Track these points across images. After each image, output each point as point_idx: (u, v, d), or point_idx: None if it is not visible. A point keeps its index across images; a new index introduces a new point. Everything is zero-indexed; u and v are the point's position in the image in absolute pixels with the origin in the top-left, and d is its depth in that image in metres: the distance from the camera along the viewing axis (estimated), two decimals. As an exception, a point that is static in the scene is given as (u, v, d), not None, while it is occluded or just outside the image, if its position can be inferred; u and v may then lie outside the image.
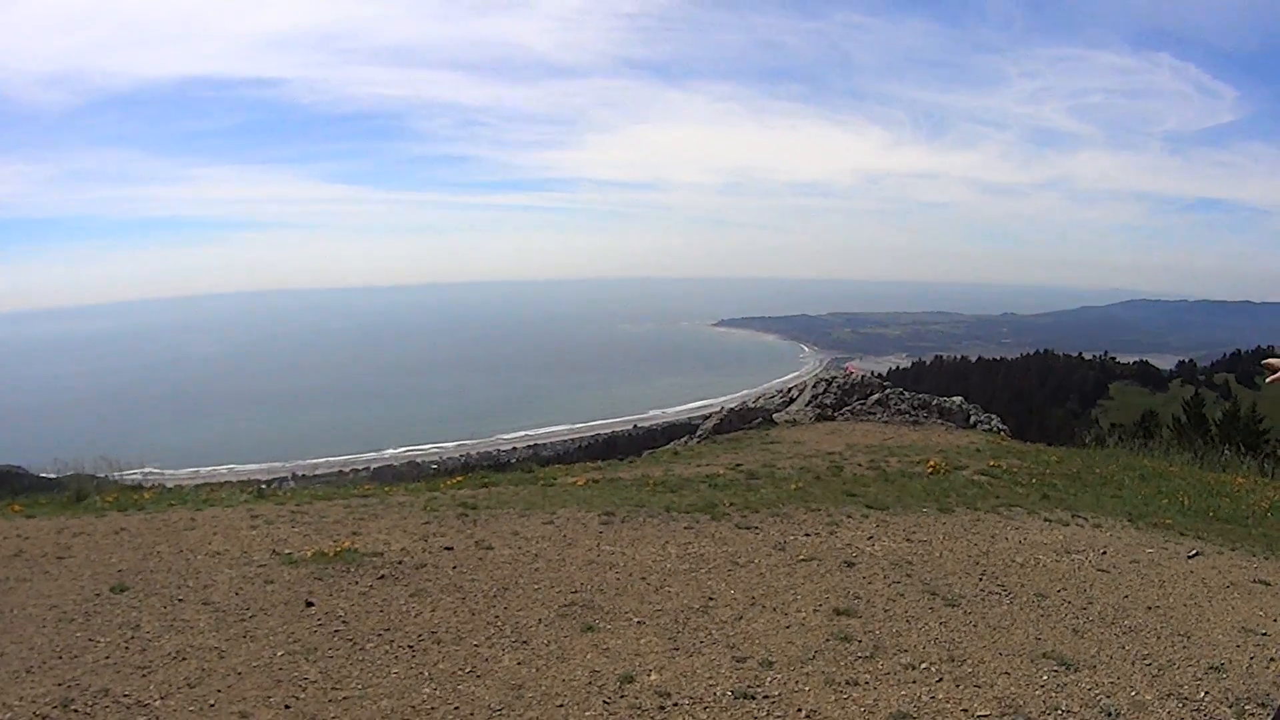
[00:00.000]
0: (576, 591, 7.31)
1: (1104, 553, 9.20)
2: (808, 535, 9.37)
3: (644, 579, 7.67)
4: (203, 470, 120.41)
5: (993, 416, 22.61)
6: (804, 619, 6.67)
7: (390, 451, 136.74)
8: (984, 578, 8.03)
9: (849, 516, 10.29)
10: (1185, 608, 7.50)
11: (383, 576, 7.60)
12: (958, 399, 22.70)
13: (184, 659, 5.71)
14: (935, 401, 21.90)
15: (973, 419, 21.83)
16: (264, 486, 13.53)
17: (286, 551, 8.30)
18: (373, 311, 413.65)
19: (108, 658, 5.72)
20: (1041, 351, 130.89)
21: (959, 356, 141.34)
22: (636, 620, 6.61)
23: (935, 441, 17.74)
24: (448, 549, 8.56)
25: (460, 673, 5.65)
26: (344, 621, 6.51)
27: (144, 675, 5.46)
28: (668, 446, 20.57)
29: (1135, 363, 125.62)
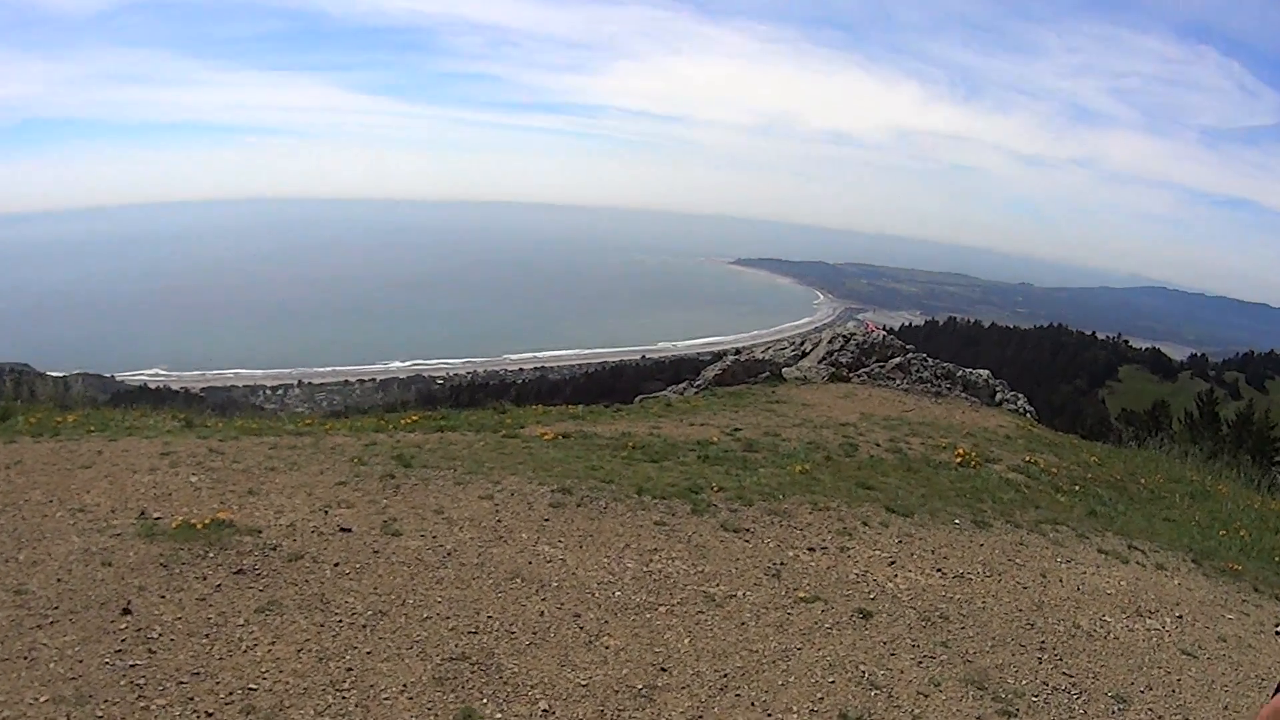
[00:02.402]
0: (477, 631, 5.22)
1: (1180, 617, 7.07)
2: (811, 551, 7.24)
3: (577, 617, 5.57)
4: (209, 374, 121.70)
5: (1019, 395, 20.64)
6: (796, 728, 4.60)
7: (397, 364, 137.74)
8: (1044, 656, 5.92)
9: (865, 524, 8.12)
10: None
11: (240, 571, 5.70)
12: (984, 372, 20.66)
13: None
14: (960, 373, 19.83)
15: (998, 396, 19.83)
16: (196, 416, 11.66)
17: (155, 516, 6.50)
18: (392, 226, 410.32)
19: None
20: (1055, 325, 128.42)
21: (972, 320, 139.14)
22: (543, 707, 4.51)
23: (960, 420, 15.68)
24: (345, 530, 6.57)
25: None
26: (151, 650, 4.66)
27: None
28: (661, 395, 18.51)
29: (1147, 349, 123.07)
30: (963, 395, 18.87)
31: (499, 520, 7.14)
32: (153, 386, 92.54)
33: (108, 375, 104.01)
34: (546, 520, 7.26)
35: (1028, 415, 19.18)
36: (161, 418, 11.06)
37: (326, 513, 6.96)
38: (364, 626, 5.17)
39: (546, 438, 10.72)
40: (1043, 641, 6.07)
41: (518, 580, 6.00)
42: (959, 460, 11.73)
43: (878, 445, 12.09)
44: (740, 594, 6.20)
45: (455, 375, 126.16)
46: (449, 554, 6.34)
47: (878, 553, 7.42)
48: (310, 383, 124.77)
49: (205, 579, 5.56)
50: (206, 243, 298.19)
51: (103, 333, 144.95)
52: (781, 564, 6.87)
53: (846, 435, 12.49)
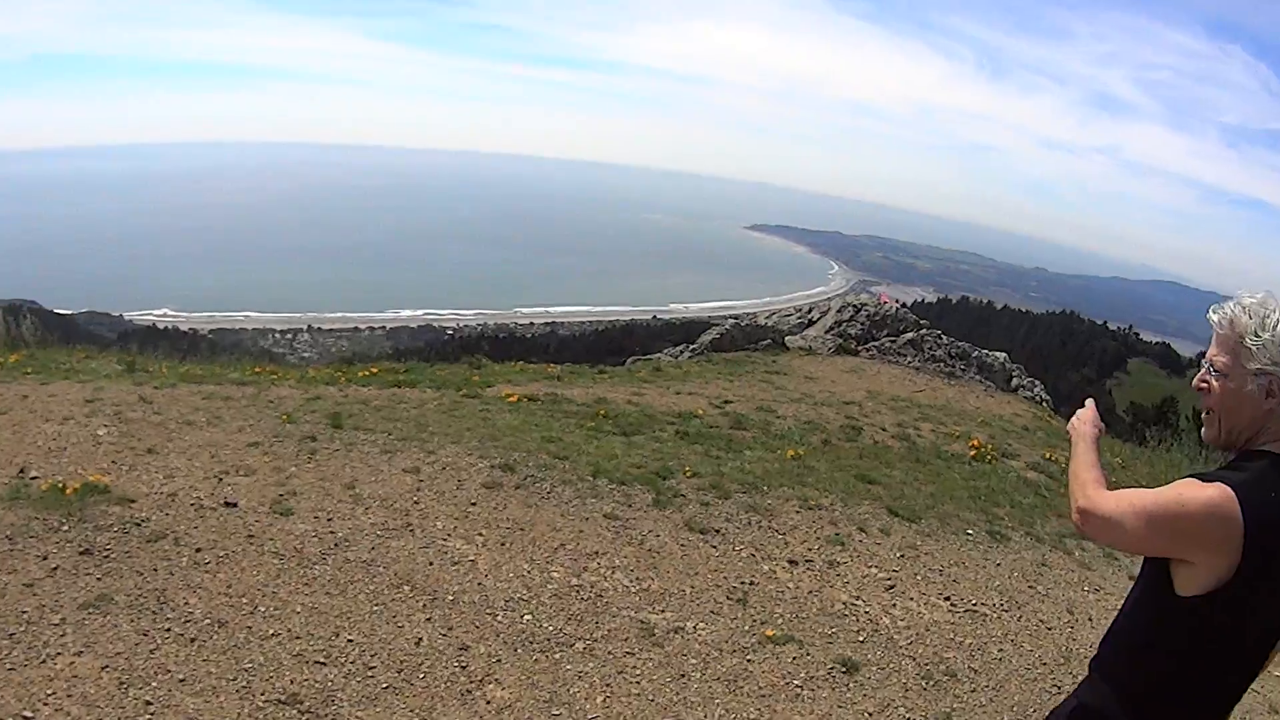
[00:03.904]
0: (326, 662, 3.94)
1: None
2: (793, 564, 5.89)
3: (464, 650, 4.24)
4: (218, 315, 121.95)
5: (1036, 382, 19.35)
6: None
7: (407, 313, 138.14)
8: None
9: (861, 530, 6.76)
10: None
11: (86, 551, 4.56)
12: (1000, 355, 19.36)
13: None
14: (975, 354, 18.53)
15: (1014, 381, 18.54)
16: (140, 359, 10.60)
17: (33, 475, 5.42)
18: (405, 173, 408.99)
19: None
20: (1068, 312, 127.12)
21: (985, 301, 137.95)
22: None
23: (974, 405, 14.41)
24: (230, 505, 5.38)
25: None
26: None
27: None
28: (653, 357, 17.30)
29: (1158, 343, 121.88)
30: (977, 378, 17.60)
31: (416, 501, 5.87)
32: (161, 326, 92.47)
33: (116, 314, 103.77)
34: (473, 505, 5.97)
35: (1044, 404, 17.91)
36: (105, 360, 10.06)
37: (220, 480, 5.77)
38: (192, 640, 3.93)
39: (510, 400, 9.47)
40: (1077, 711, 4.71)
41: (405, 589, 4.71)
42: (973, 453, 10.39)
43: (883, 430, 10.75)
44: (690, 626, 4.84)
45: (466, 326, 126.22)
46: (336, 544, 5.07)
47: (874, 571, 6.06)
48: (320, 328, 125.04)
49: (45, 559, 4.44)
50: (219, 183, 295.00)
51: (113, 271, 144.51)
52: (751, 583, 5.51)
53: (849, 415, 11.16)
